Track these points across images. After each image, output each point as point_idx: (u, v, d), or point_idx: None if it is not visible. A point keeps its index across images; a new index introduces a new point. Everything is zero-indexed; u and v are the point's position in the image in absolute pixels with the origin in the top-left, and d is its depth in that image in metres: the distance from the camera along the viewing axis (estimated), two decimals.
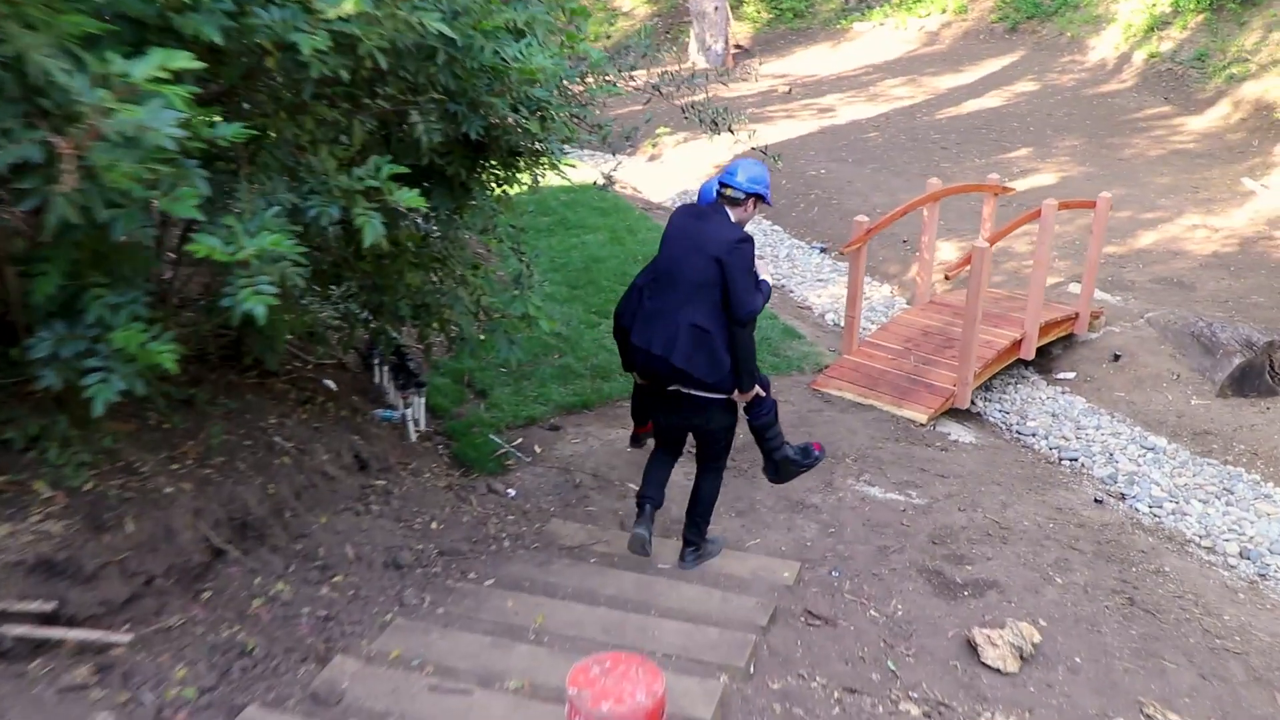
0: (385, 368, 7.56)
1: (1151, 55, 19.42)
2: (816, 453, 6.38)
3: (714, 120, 7.52)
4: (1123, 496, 8.00)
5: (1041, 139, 16.92)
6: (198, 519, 4.53)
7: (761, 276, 5.58)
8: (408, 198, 3.48)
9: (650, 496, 5.88)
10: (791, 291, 11.74)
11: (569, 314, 9.73)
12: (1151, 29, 19.71)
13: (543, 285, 10.18)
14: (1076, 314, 9.97)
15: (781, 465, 6.24)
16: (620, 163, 16.99)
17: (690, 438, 6.13)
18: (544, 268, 10.81)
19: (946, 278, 8.27)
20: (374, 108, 4.01)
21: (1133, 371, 9.74)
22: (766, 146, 7.48)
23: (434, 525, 5.98)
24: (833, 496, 7.06)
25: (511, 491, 6.85)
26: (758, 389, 5.69)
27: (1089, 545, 6.81)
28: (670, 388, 5.53)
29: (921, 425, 8.27)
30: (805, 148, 16.50)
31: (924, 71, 21.22)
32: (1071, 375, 9.83)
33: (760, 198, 5.53)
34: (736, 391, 5.55)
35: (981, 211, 10.41)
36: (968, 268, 8.39)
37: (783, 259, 12.66)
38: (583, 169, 15.66)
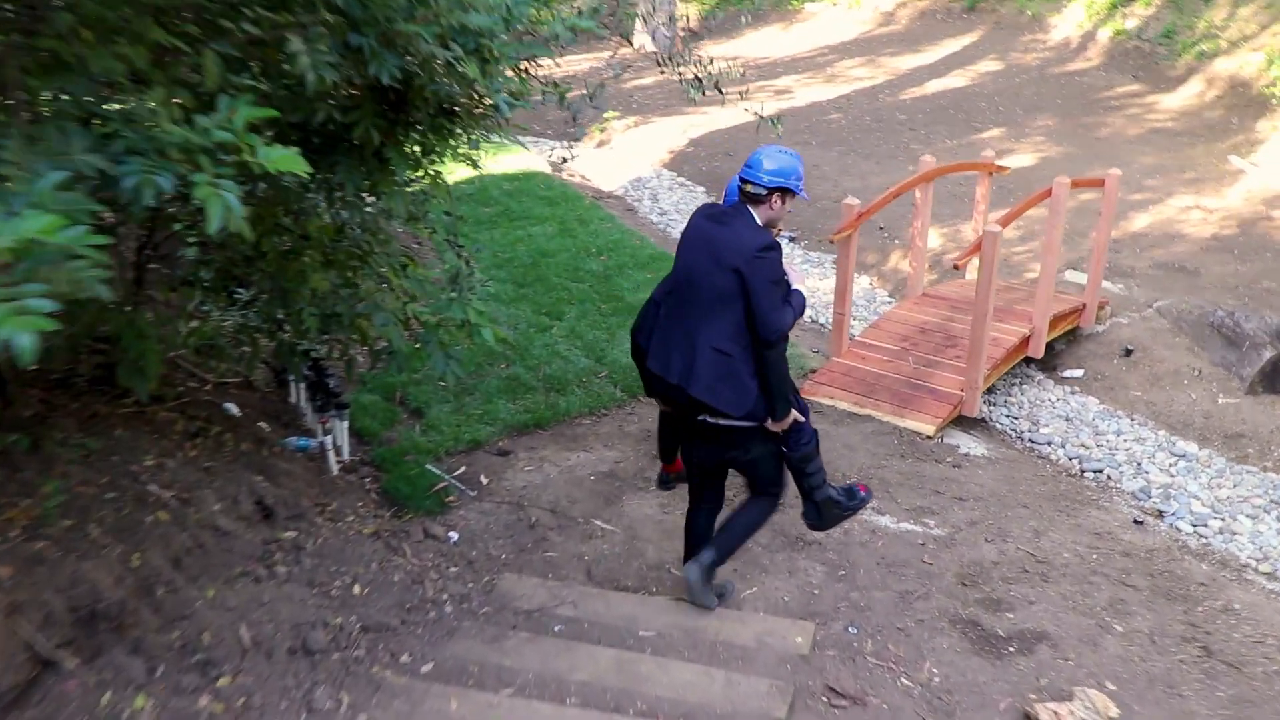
0: (302, 385, 6.33)
1: (1117, 33, 18.68)
2: (862, 494, 5.42)
3: (711, 82, 6.31)
4: (1160, 514, 6.95)
5: (1013, 119, 15.97)
6: (15, 619, 3.27)
7: (794, 286, 4.74)
8: (277, 157, 2.29)
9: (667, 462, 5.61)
10: None
11: (516, 316, 8.54)
12: (1115, 6, 18.97)
13: (486, 284, 8.96)
14: (1083, 305, 8.93)
15: (824, 507, 5.25)
16: (571, 146, 15.89)
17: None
18: (487, 264, 9.60)
19: (956, 267, 7.17)
20: (238, 33, 2.80)
21: (1148, 367, 8.71)
22: (770, 115, 6.29)
23: (357, 589, 4.76)
24: (838, 530, 5.94)
25: (453, 535, 5.65)
26: (794, 415, 4.81)
27: (1141, 579, 5.74)
28: (699, 416, 4.77)
29: (929, 438, 7.17)
30: (764, 131, 15.34)
31: (882, 52, 20.28)
32: (1080, 373, 8.79)
33: (787, 191, 4.60)
34: (769, 420, 4.71)
35: (975, 193, 9.34)
36: (975, 255, 7.30)
37: None
38: (528, 156, 14.53)
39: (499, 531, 5.74)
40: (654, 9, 21.48)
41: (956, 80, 18.10)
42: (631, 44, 21.91)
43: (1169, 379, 8.56)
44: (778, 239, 4.65)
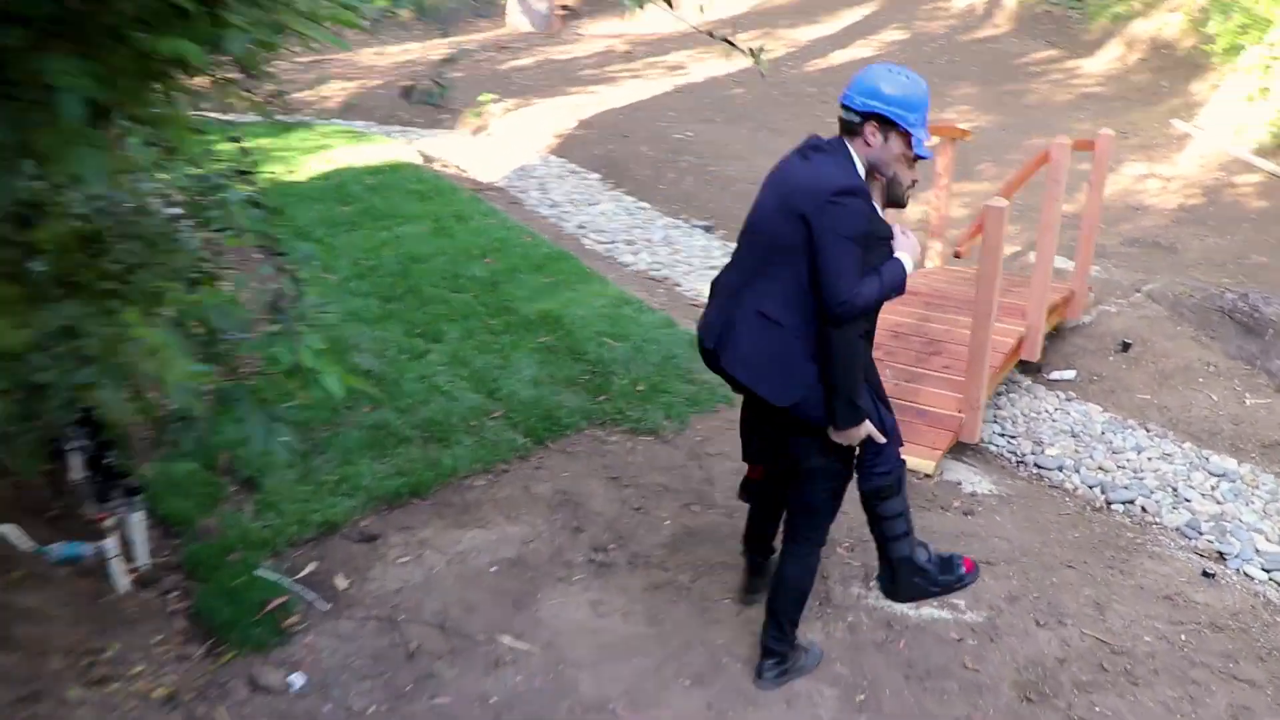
0: (83, 458, 4.47)
1: None
2: (964, 572, 4.44)
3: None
4: (1221, 556, 5.43)
5: (931, 87, 14.51)
6: None
7: (898, 253, 3.66)
8: None
9: (755, 552, 4.45)
10: (679, 285, 8.94)
11: (383, 340, 6.73)
12: None
13: (336, 303, 7.13)
14: (1071, 293, 7.44)
15: (901, 571, 4.26)
16: (436, 136, 14.02)
17: None
18: (345, 274, 7.76)
19: (957, 255, 5.58)
20: None
21: (1152, 364, 7.24)
22: (758, 50, 4.65)
23: None
24: (839, 623, 4.31)
25: (296, 681, 3.86)
26: (868, 428, 3.73)
27: (1253, 667, 4.25)
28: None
29: (927, 477, 5.56)
30: (662, 108, 13.74)
31: (778, 24, 18.82)
32: (1071, 374, 7.29)
33: (888, 123, 3.53)
34: (831, 428, 3.68)
35: (936, 164, 7.77)
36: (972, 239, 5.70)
37: (659, 244, 9.85)
38: (394, 146, 12.65)
39: (364, 667, 3.96)
40: None
41: (862, 50, 16.75)
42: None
43: (1180, 377, 7.10)
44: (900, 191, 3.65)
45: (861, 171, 3.55)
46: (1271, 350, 7.00)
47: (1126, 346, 7.38)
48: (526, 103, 14.28)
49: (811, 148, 3.63)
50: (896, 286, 3.63)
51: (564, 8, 21.04)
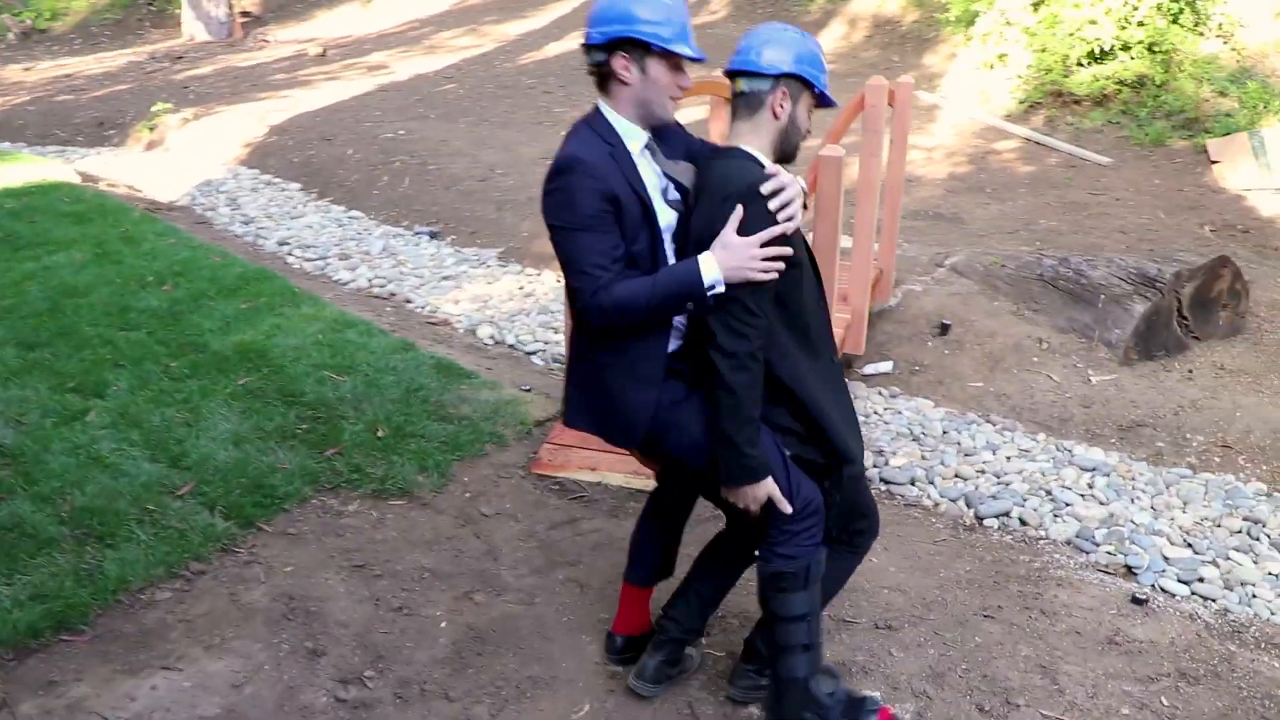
0: None
1: None
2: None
3: None
4: (1130, 571, 4.42)
5: None
6: None
7: (704, 255, 2.71)
8: None
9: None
10: (409, 301, 7.42)
11: (20, 402, 4.94)
12: None
13: None
14: (880, 272, 6.39)
15: (787, 696, 2.97)
16: (100, 155, 11.92)
17: None
18: None
19: None
20: None
21: (977, 347, 6.28)
22: None
23: None
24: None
25: None
26: (770, 488, 2.75)
27: None
28: None
29: None
30: (367, 108, 12.11)
31: (482, 20, 17.54)
32: (888, 366, 6.25)
33: (635, 43, 2.73)
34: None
35: (709, 128, 6.55)
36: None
37: (380, 256, 8.28)
38: (45, 166, 10.51)
39: None
40: None
41: (576, 40, 15.55)
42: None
43: (1012, 358, 6.16)
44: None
45: (623, 129, 2.82)
46: (1107, 318, 6.14)
47: (945, 329, 6.39)
48: (208, 111, 12.36)
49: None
50: (675, 297, 2.73)
51: (245, 14, 19.00)
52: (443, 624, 3.56)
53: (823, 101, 2.87)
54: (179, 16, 18.47)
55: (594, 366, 2.89)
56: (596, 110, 2.83)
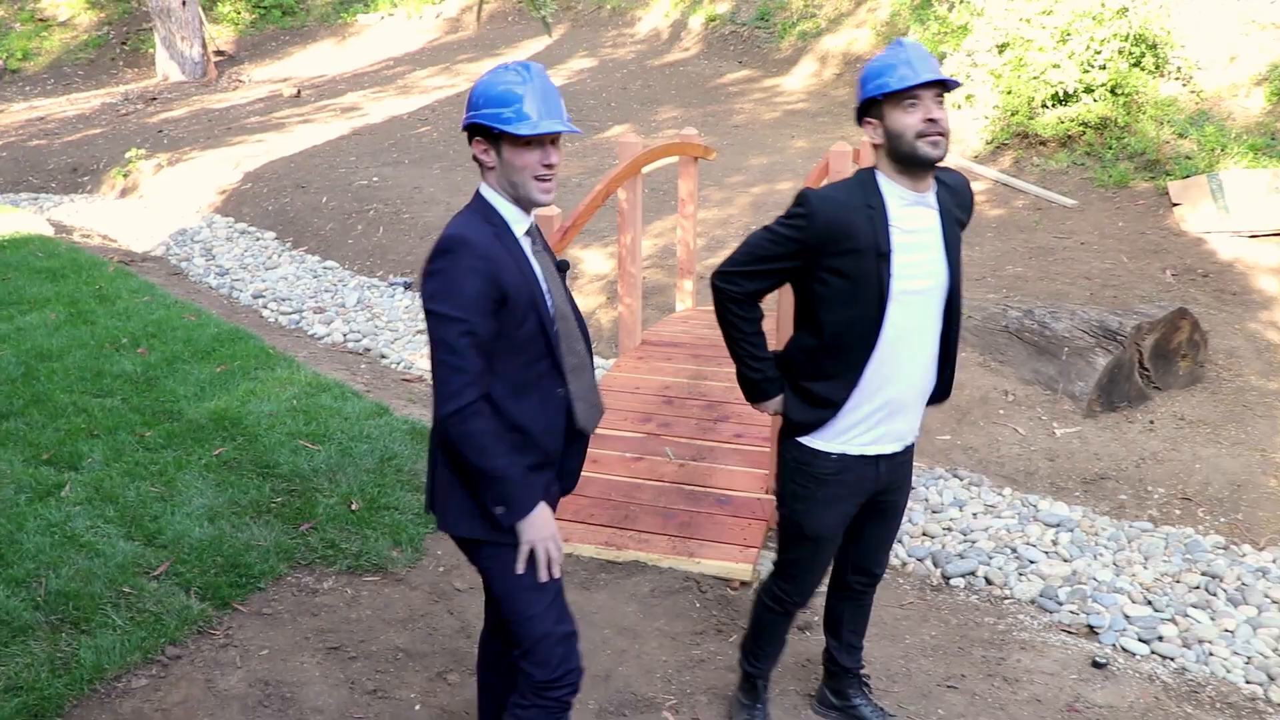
0: None
1: (710, 19, 17.47)
2: None
3: None
4: (1092, 630, 4.53)
5: (631, 113, 13.73)
6: None
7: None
8: None
9: None
10: (384, 357, 7.50)
11: None
12: None
13: None
14: None
15: None
16: (74, 202, 11.94)
17: None
18: None
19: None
20: None
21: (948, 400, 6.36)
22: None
23: None
24: None
25: None
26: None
27: None
28: None
29: (744, 585, 4.37)
30: (341, 153, 12.17)
31: (457, 59, 17.60)
32: None
33: (483, 130, 2.66)
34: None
35: (678, 190, 6.65)
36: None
37: (354, 309, 8.36)
38: (16, 216, 10.50)
39: None
40: (174, 34, 17.62)
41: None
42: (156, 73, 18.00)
43: (978, 411, 6.27)
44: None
45: (504, 210, 2.71)
46: (1070, 371, 6.26)
47: None
48: (183, 157, 12.41)
49: None
50: (493, 490, 2.61)
51: (219, 53, 19.06)
52: (416, 707, 3.62)
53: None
54: (153, 56, 18.50)
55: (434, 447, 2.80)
56: (478, 195, 2.74)
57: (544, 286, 2.72)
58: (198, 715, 3.53)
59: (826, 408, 3.01)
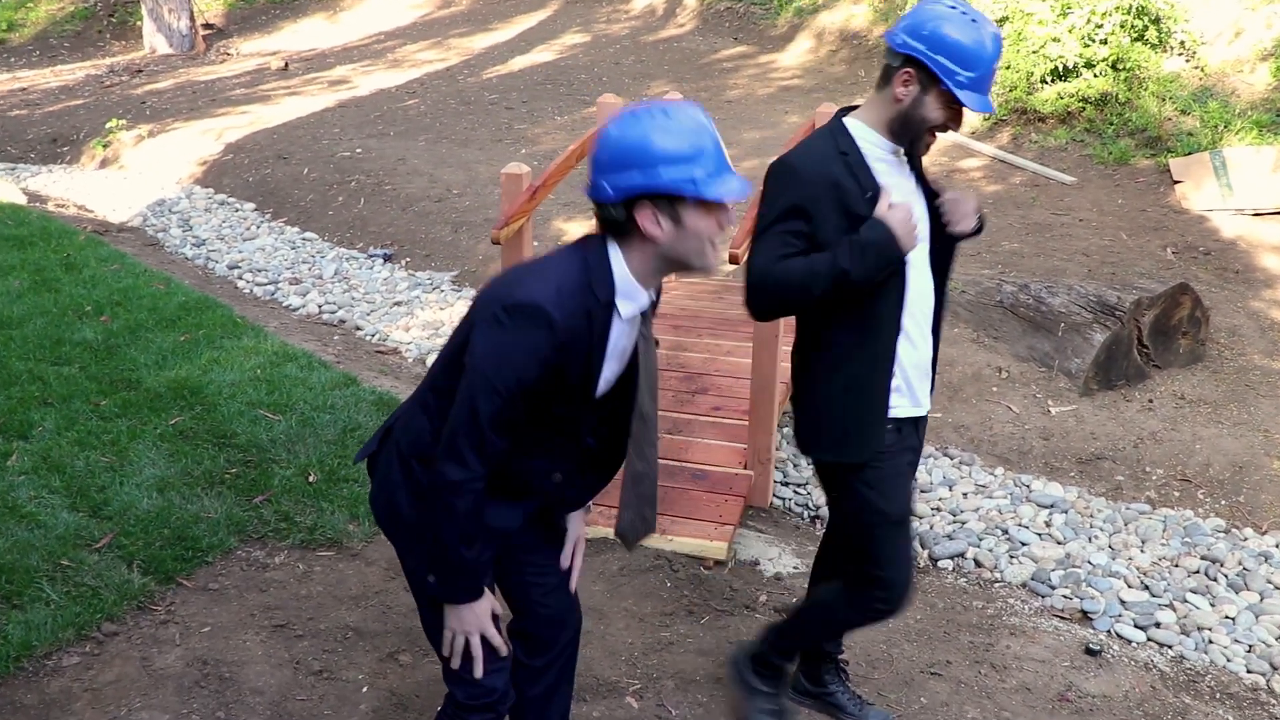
0: None
1: None
2: None
3: None
4: (1086, 616, 4.31)
5: (622, 88, 13.46)
6: None
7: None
8: None
9: None
10: (359, 329, 7.27)
11: None
12: None
13: None
14: None
15: None
16: (51, 173, 11.70)
17: None
18: None
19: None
20: None
21: (937, 375, 6.14)
22: None
23: None
24: None
25: None
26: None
27: None
28: None
29: (719, 564, 4.15)
30: (325, 125, 11.92)
31: (449, 34, 17.33)
32: None
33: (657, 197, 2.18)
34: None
35: None
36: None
37: (331, 280, 8.12)
38: None
39: None
40: (162, 6, 17.33)
41: (544, 55, 15.47)
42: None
43: (971, 388, 6.05)
44: None
45: (624, 289, 2.22)
46: (1066, 347, 6.03)
47: None
48: (165, 128, 12.15)
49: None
50: (452, 580, 2.31)
51: (208, 26, 18.78)
52: (364, 689, 3.40)
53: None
54: (140, 29, 18.23)
55: (393, 446, 2.51)
56: (601, 250, 2.22)
57: (601, 371, 2.28)
58: (129, 695, 3.30)
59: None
